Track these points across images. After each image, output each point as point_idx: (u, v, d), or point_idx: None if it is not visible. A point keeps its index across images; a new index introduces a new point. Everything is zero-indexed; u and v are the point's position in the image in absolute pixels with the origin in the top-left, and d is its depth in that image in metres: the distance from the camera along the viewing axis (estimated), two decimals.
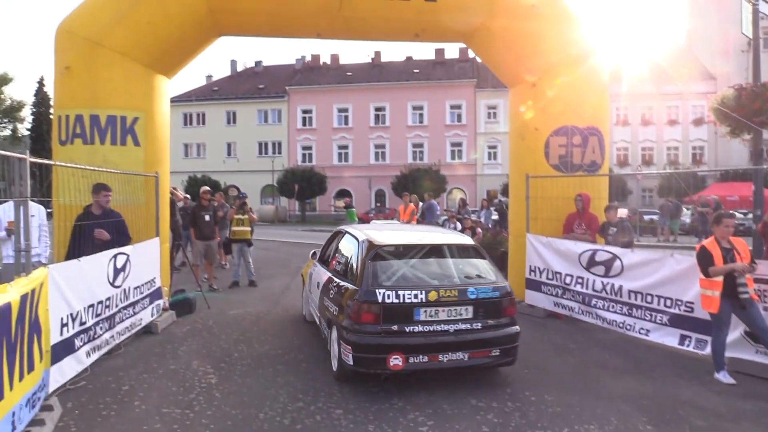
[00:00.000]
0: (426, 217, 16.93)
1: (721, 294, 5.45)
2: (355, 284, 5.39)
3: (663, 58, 46.92)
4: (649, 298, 6.70)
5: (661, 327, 6.55)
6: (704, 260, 5.57)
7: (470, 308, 5.30)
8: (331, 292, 5.95)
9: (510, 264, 9.41)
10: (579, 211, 8.23)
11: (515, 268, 9.05)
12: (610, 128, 9.97)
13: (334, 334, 5.57)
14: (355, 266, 5.66)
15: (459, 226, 14.48)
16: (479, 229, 13.52)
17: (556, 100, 8.53)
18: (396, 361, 5.06)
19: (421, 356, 5.12)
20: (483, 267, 5.77)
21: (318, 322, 6.80)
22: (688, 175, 24.97)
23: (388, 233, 6.38)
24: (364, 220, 32.45)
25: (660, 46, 50.82)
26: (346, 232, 6.68)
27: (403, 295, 5.15)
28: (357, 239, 5.98)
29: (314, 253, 7.92)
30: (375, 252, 5.51)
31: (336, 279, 6.02)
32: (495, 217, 18.34)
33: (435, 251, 5.85)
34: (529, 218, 8.57)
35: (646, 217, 27.39)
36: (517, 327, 5.49)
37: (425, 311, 5.18)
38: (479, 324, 5.31)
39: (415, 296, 5.16)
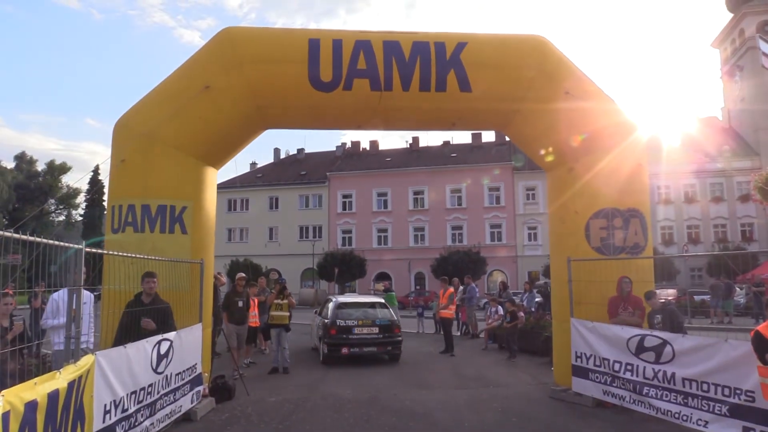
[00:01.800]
0: (465, 302, 16.74)
1: None
2: (329, 319, 11.81)
3: (702, 136, 46.77)
4: (705, 387, 6.32)
5: (721, 418, 6.12)
6: (760, 346, 5.25)
7: (377, 328, 11.77)
8: (320, 325, 12.36)
9: (555, 349, 9.10)
10: (622, 294, 7.97)
11: (560, 353, 8.75)
12: (652, 207, 9.83)
13: (321, 342, 11.92)
14: (330, 312, 12.12)
15: (501, 309, 14.22)
16: (521, 314, 13.19)
17: (594, 182, 8.51)
18: (344, 350, 11.44)
19: (356, 348, 11.49)
20: (386, 311, 12.42)
21: (317, 342, 12.79)
22: (736, 255, 24.03)
23: (348, 297, 13.74)
24: (404, 303, 33.21)
25: (698, 124, 50.67)
26: (330, 298, 13.55)
27: (347, 322, 11.63)
28: (333, 300, 12.86)
29: (316, 311, 14.18)
30: (339, 304, 12.25)
31: (323, 320, 12.20)
32: (538, 299, 17.89)
33: (365, 305, 12.68)
34: (572, 302, 8.36)
35: (697, 298, 26.26)
36: (400, 338, 12.11)
37: (357, 329, 11.61)
38: (381, 335, 11.75)
39: (353, 323, 11.65)
